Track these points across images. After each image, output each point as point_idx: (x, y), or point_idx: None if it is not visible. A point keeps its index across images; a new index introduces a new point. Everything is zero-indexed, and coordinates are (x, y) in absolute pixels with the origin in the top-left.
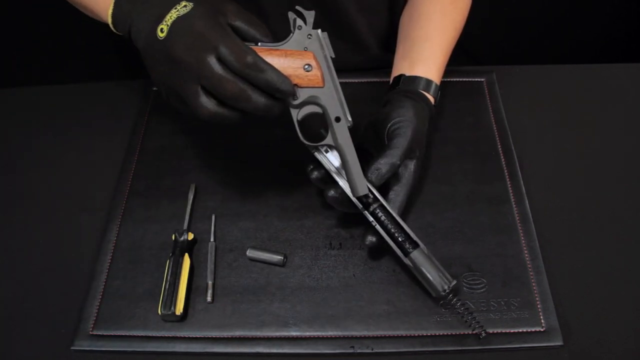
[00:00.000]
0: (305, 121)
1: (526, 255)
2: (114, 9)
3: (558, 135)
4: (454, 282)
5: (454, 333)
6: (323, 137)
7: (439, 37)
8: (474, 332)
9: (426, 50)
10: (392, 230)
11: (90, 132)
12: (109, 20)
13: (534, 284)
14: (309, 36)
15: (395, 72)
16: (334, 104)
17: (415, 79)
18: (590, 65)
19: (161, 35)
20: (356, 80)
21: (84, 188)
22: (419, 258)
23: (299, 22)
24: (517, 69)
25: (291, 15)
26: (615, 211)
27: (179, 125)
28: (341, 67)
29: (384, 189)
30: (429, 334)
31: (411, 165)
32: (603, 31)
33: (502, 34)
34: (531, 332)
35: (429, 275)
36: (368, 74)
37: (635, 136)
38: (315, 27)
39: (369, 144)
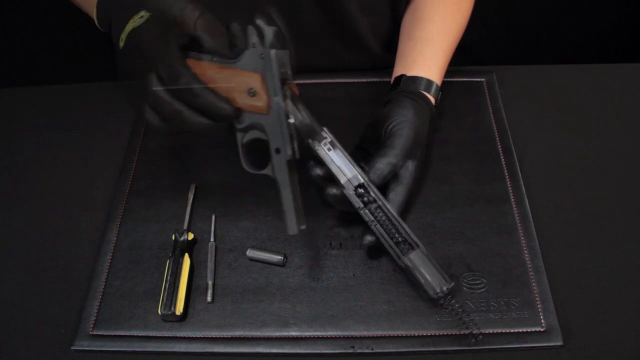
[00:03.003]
0: (252, 144)
1: (526, 255)
2: (97, 10)
3: (558, 135)
4: (452, 284)
5: (454, 333)
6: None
7: (440, 38)
8: (472, 332)
9: (428, 51)
10: (392, 231)
11: (90, 132)
12: (95, 20)
13: (534, 284)
14: (262, 56)
15: (397, 73)
16: (277, 134)
17: (416, 79)
18: (590, 65)
19: (121, 44)
20: (356, 80)
21: (84, 188)
22: (416, 259)
23: (254, 39)
24: (517, 69)
25: (250, 29)
26: (615, 211)
27: None
28: (342, 67)
29: (383, 189)
30: (429, 334)
31: (411, 165)
32: (603, 31)
33: (502, 34)
34: (531, 332)
35: (427, 276)
36: (368, 74)
37: (635, 136)
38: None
39: (368, 143)
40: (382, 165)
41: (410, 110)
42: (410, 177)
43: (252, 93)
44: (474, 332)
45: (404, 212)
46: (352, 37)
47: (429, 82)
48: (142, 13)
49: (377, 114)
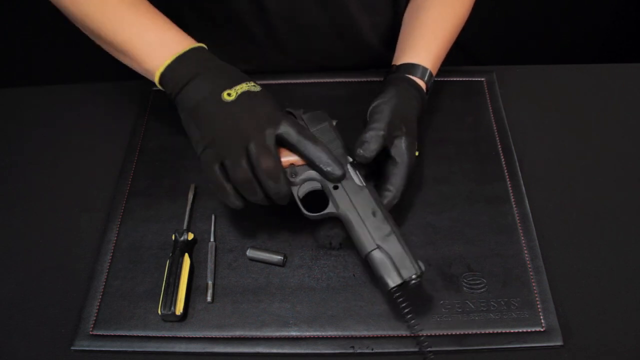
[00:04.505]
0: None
1: (526, 255)
2: (165, 70)
3: (558, 135)
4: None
5: (454, 333)
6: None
7: (434, 25)
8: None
9: (418, 37)
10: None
11: (90, 132)
12: (156, 78)
13: (534, 284)
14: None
15: (393, 62)
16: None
17: (401, 66)
18: (590, 65)
19: (227, 98)
20: (356, 80)
21: (84, 188)
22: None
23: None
24: (517, 69)
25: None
26: (615, 211)
27: (179, 125)
28: (342, 65)
29: (383, 175)
30: (429, 334)
31: (401, 142)
32: (603, 31)
33: (502, 34)
34: (531, 332)
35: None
36: (369, 73)
37: (635, 136)
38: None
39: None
40: (367, 138)
41: (390, 92)
42: (405, 155)
43: None
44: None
45: (405, 212)
46: (353, 36)
47: (413, 66)
48: (254, 83)
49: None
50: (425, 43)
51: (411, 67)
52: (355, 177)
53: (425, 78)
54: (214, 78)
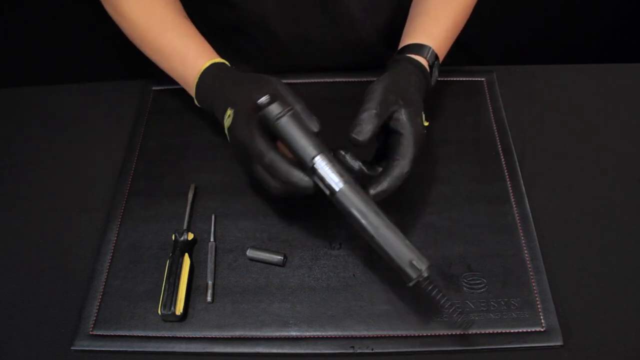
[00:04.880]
0: None
1: (526, 255)
2: (197, 99)
3: (558, 135)
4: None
5: (454, 333)
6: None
7: (436, 10)
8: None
9: (419, 22)
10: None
11: (90, 132)
12: (193, 92)
13: (534, 284)
14: None
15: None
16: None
17: (400, 50)
18: (590, 65)
19: (227, 121)
20: (356, 80)
21: (84, 188)
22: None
23: None
24: (517, 69)
25: None
26: (615, 211)
27: (179, 125)
28: (343, 65)
29: (390, 153)
30: (429, 334)
31: (401, 115)
32: (603, 31)
33: (502, 34)
34: (531, 332)
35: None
36: (369, 73)
37: (635, 136)
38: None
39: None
40: (360, 119)
41: (385, 74)
42: (409, 126)
43: None
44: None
45: (404, 211)
46: (353, 37)
47: (412, 45)
48: (229, 112)
49: None
50: (425, 26)
51: (411, 47)
52: (334, 175)
53: (426, 55)
54: (218, 113)
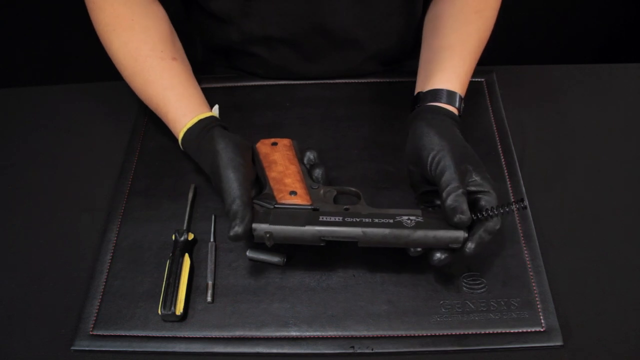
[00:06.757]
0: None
1: (526, 255)
2: (182, 142)
3: (558, 135)
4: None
5: (454, 333)
6: None
7: (460, 47)
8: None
9: (447, 60)
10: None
11: (90, 132)
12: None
13: (534, 284)
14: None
15: (418, 85)
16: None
17: (436, 93)
18: (590, 65)
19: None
20: (356, 80)
21: (84, 188)
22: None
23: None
24: (517, 69)
25: None
26: (615, 211)
27: None
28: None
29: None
30: (429, 334)
31: (477, 178)
32: (603, 31)
33: (502, 34)
34: (531, 332)
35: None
36: (370, 73)
37: (635, 136)
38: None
39: (417, 183)
40: (453, 202)
41: (435, 136)
42: (488, 185)
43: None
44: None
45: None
46: (360, 60)
47: (450, 94)
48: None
49: (409, 148)
50: (456, 68)
51: (447, 96)
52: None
53: (458, 105)
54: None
